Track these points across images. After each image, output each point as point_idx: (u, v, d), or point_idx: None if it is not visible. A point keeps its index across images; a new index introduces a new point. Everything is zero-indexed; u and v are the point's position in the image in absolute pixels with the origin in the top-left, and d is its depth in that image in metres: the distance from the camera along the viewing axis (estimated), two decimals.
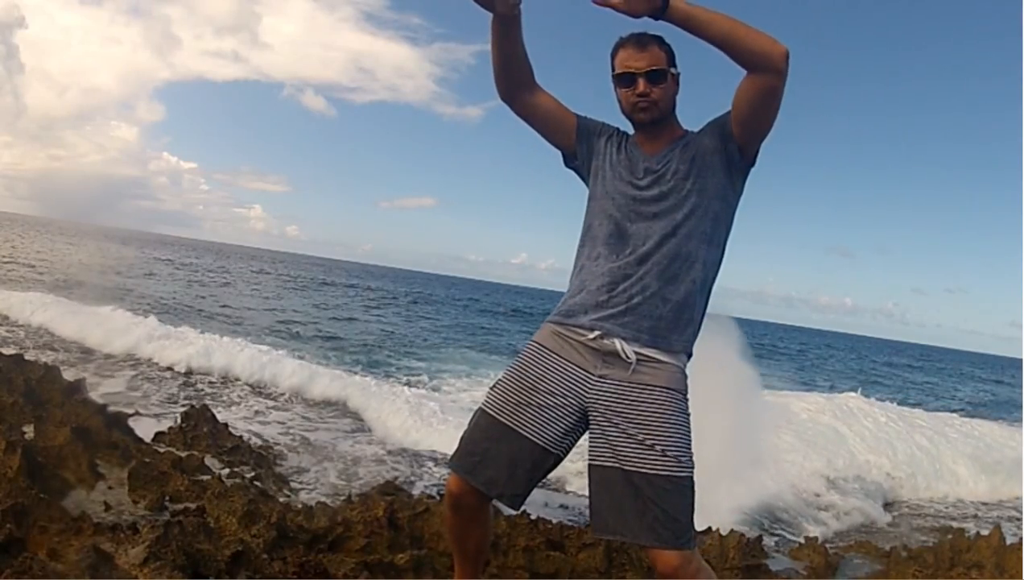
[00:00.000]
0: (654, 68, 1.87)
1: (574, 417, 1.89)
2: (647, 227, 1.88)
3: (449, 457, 1.97)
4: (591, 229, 1.98)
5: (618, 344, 1.84)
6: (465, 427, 1.98)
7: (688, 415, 1.86)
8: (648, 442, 1.79)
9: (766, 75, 1.72)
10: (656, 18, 1.70)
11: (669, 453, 1.77)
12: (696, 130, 1.97)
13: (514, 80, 1.98)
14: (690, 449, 1.82)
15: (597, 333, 1.87)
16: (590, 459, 1.85)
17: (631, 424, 1.81)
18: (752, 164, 1.92)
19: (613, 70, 1.93)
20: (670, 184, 1.88)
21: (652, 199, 1.89)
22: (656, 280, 1.85)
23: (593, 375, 1.87)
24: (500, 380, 1.98)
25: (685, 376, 1.90)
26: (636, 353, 1.84)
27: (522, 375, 1.94)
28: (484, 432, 1.91)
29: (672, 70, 1.91)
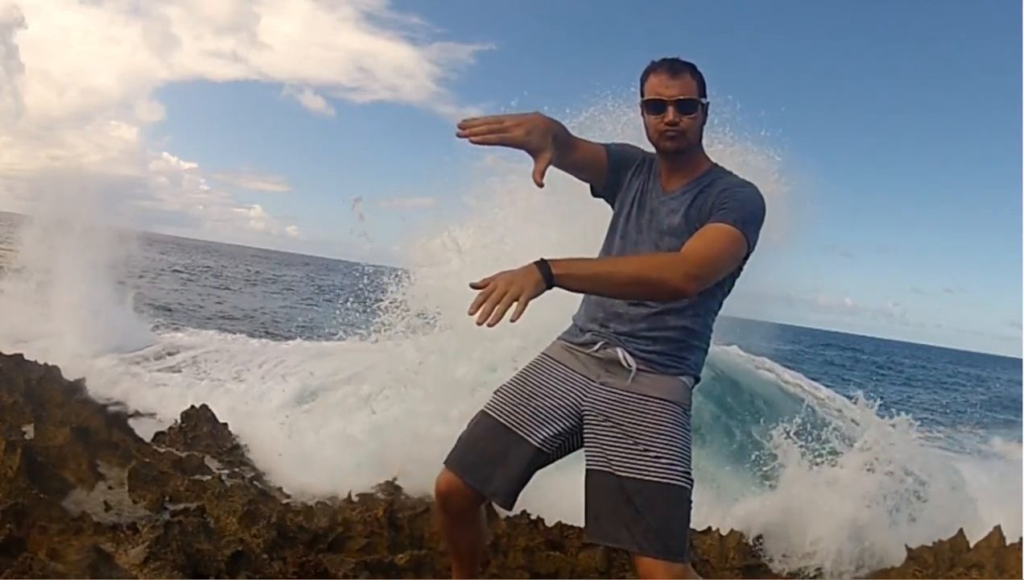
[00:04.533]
0: (685, 97, 1.81)
1: (570, 420, 1.89)
2: None
3: (446, 456, 1.97)
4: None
5: (619, 352, 1.87)
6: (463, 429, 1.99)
7: (688, 430, 1.85)
8: (641, 446, 1.78)
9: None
10: (547, 288, 1.54)
11: (663, 460, 1.76)
12: (717, 173, 1.91)
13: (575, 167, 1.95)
14: (688, 462, 1.80)
15: (601, 343, 1.90)
16: (586, 464, 1.85)
17: (627, 430, 1.81)
18: None
19: (643, 95, 1.88)
20: (666, 239, 1.86)
21: (651, 248, 1.88)
22: (645, 322, 1.86)
23: (595, 382, 1.90)
24: (504, 384, 2.01)
25: (688, 391, 1.90)
26: (637, 365, 1.86)
27: (525, 379, 1.98)
28: (483, 431, 1.93)
29: (703, 100, 1.86)
